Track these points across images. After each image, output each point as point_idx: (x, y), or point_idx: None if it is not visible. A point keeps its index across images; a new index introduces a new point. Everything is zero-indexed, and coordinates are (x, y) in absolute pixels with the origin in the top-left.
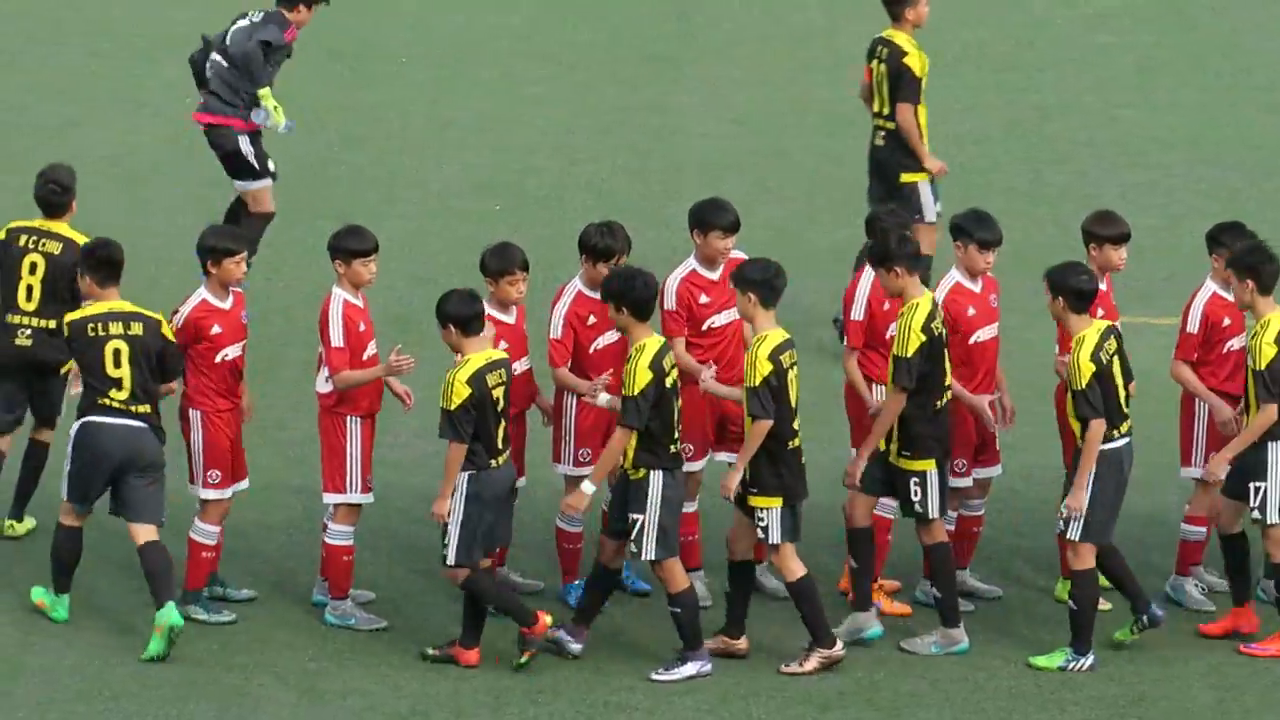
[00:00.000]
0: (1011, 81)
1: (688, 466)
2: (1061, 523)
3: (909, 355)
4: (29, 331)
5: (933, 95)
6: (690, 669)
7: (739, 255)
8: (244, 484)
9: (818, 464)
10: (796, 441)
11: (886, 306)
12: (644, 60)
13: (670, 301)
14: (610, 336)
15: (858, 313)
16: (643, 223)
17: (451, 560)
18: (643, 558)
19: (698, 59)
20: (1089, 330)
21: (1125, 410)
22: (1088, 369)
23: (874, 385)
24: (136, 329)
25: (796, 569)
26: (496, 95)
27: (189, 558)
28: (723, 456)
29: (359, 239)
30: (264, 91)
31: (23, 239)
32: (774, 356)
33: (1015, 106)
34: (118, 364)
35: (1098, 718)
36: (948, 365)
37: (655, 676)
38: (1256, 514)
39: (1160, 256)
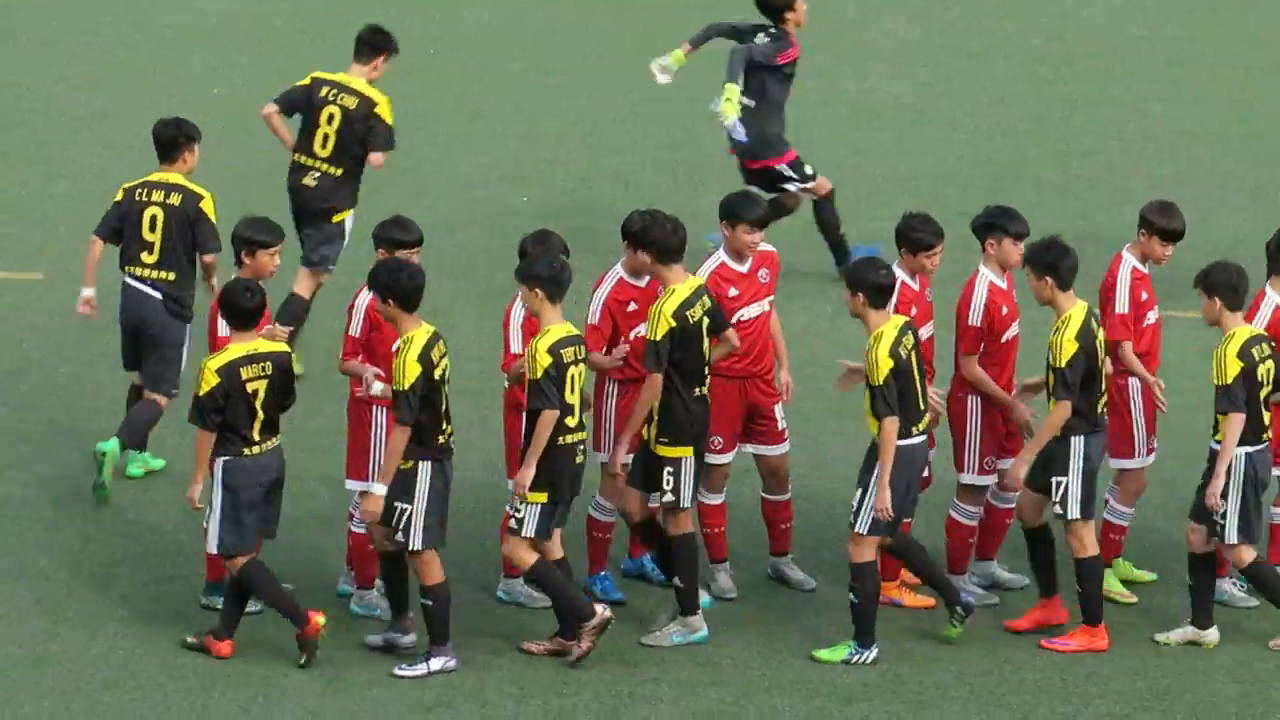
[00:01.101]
0: (1040, 74)
1: (715, 459)
2: (851, 515)
3: (657, 339)
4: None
5: (960, 87)
6: (436, 664)
7: (768, 248)
8: None
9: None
10: (573, 438)
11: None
12: (668, 48)
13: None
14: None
15: None
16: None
17: (212, 549)
18: (409, 547)
19: (726, 50)
20: (887, 326)
21: (922, 407)
22: (885, 364)
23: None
24: None
25: (527, 559)
26: (525, 86)
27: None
28: (750, 449)
29: (404, 230)
30: (731, 86)
31: (324, 90)
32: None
33: (1043, 99)
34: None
35: (1122, 711)
36: (706, 352)
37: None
38: (1058, 509)
39: (1188, 251)
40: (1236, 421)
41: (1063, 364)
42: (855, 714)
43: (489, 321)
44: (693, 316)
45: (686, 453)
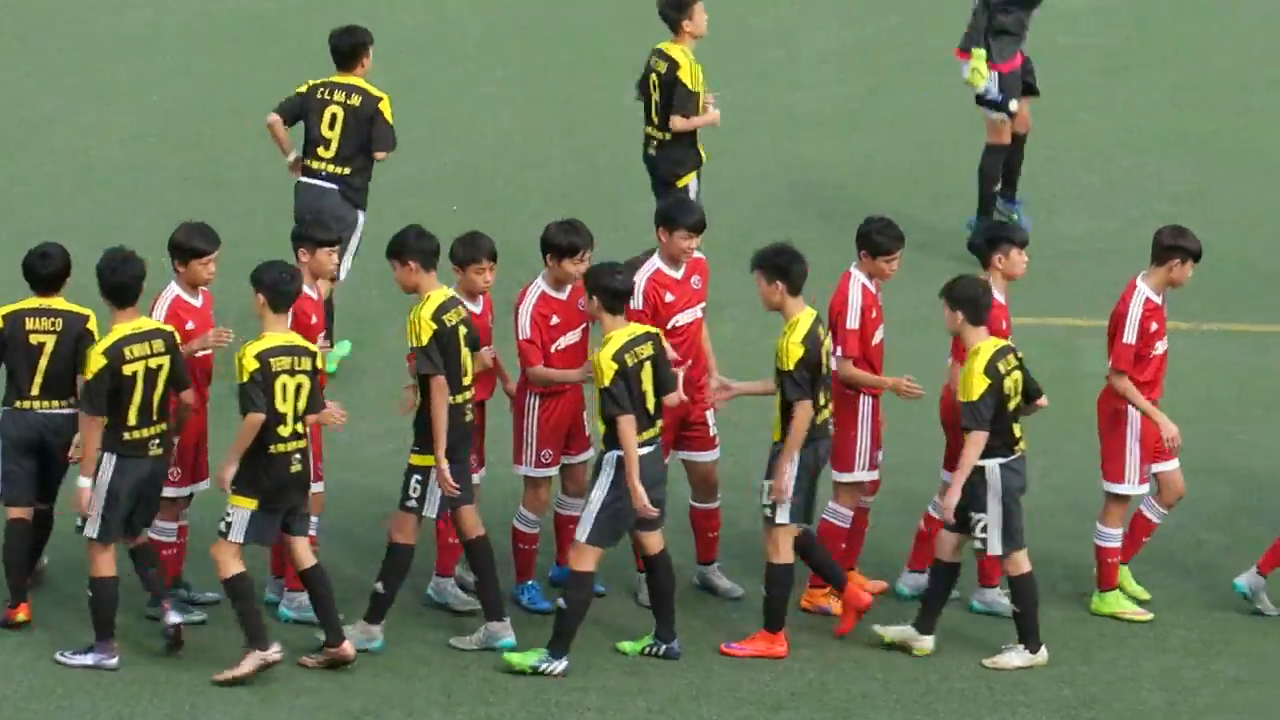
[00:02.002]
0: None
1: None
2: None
3: (424, 344)
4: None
5: (892, 97)
6: (90, 659)
7: (699, 255)
8: (205, 484)
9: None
10: (285, 447)
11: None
12: (600, 62)
13: (638, 300)
14: (571, 337)
15: None
16: (600, 224)
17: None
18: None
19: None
20: (620, 331)
21: (653, 412)
22: (610, 368)
23: None
24: None
25: (230, 566)
26: (455, 97)
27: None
28: (682, 455)
29: (324, 229)
30: (977, 51)
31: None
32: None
33: (975, 108)
34: None
35: (1046, 718)
36: (467, 363)
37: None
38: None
39: (1120, 260)
40: (979, 438)
41: (790, 367)
42: None
43: None
44: (449, 321)
45: (431, 462)
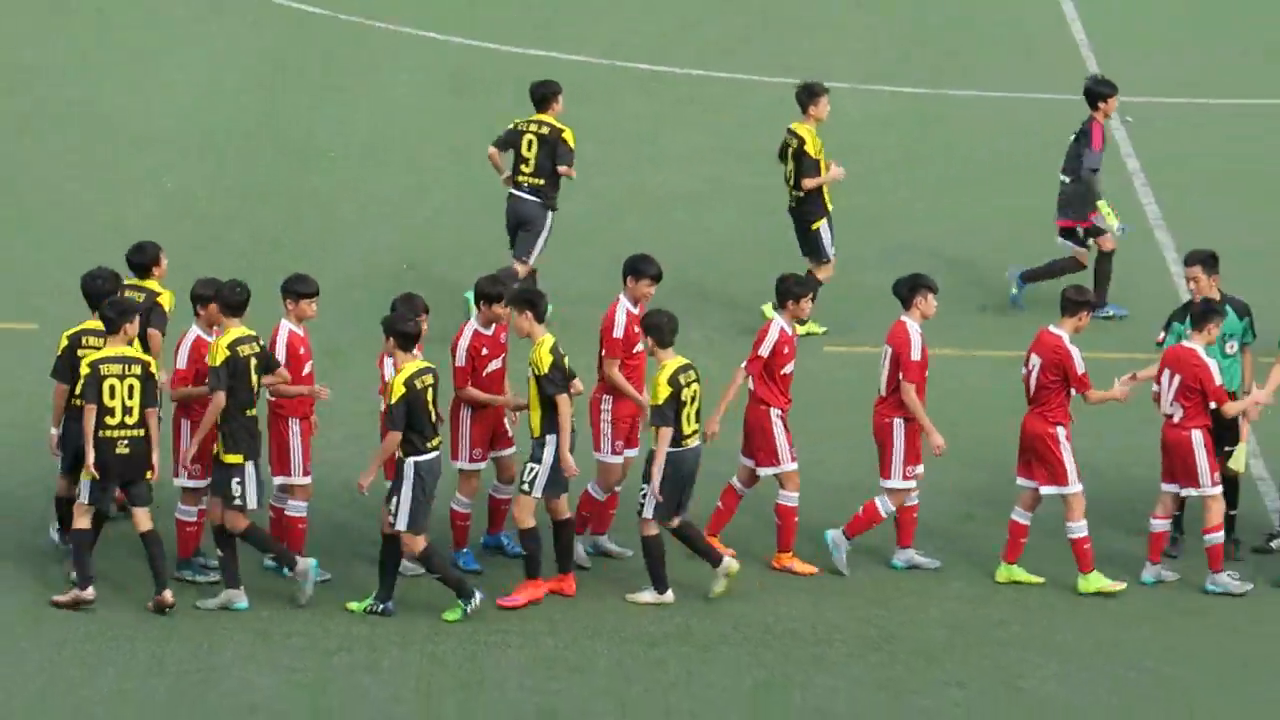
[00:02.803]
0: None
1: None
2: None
3: (217, 365)
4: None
5: (737, 180)
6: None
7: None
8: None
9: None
10: (111, 433)
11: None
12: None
13: (619, 331)
14: (496, 364)
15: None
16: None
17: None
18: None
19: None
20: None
21: (437, 424)
22: (399, 390)
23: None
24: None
25: (81, 520)
26: (402, 181)
27: (177, 533)
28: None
29: (304, 284)
30: (1102, 204)
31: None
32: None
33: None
34: None
35: (858, 651)
36: (254, 381)
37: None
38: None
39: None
40: (665, 433)
41: (544, 372)
42: (656, 656)
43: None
44: (243, 353)
45: (240, 460)
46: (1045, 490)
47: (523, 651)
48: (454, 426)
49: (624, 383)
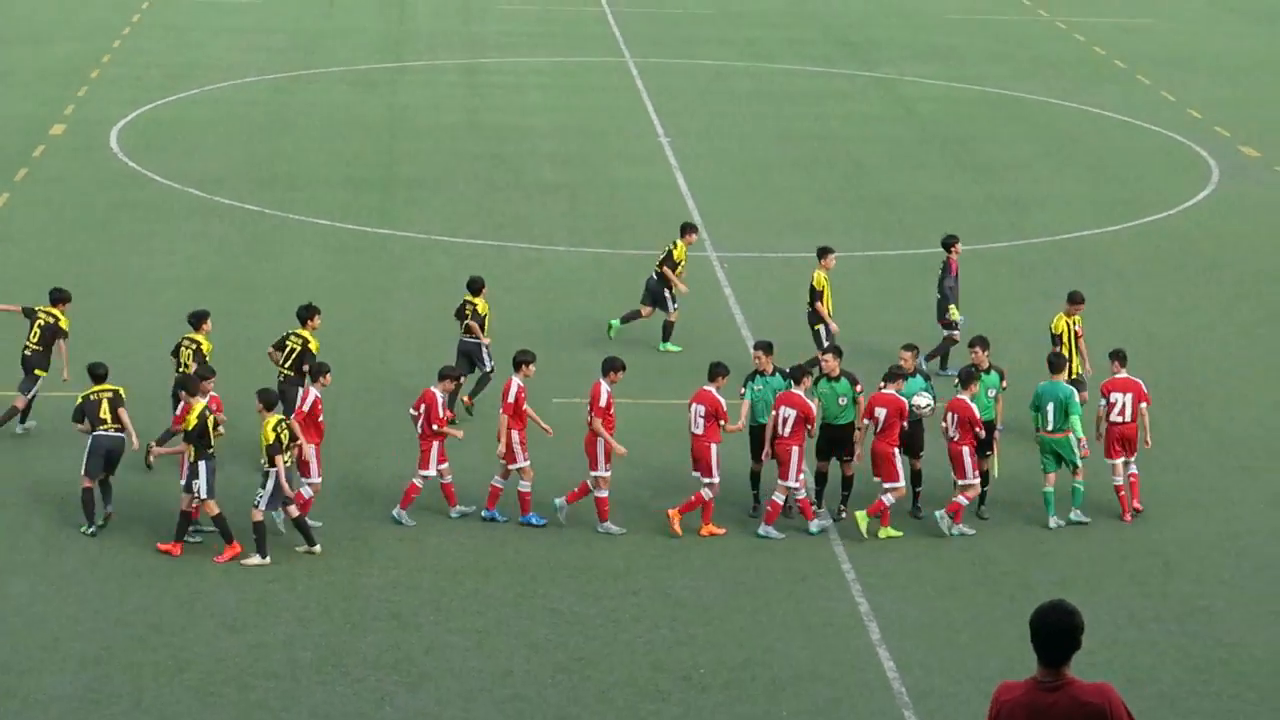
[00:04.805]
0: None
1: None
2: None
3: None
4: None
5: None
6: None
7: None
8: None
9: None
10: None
11: None
12: None
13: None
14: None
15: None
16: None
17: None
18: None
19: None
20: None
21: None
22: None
23: None
24: None
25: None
26: None
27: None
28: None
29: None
30: (953, 308)
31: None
32: None
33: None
34: None
35: (719, 599)
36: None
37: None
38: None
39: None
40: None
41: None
42: (557, 591)
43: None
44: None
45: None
46: None
47: (475, 599)
48: (508, 441)
49: None
